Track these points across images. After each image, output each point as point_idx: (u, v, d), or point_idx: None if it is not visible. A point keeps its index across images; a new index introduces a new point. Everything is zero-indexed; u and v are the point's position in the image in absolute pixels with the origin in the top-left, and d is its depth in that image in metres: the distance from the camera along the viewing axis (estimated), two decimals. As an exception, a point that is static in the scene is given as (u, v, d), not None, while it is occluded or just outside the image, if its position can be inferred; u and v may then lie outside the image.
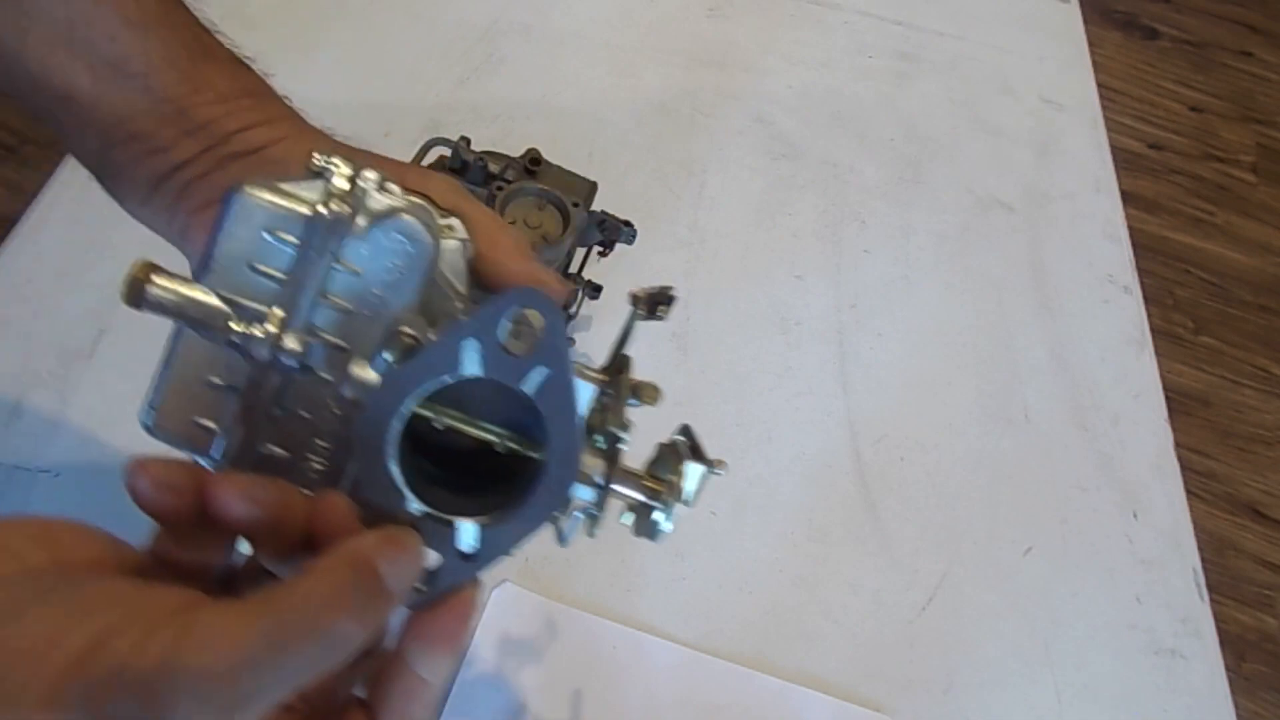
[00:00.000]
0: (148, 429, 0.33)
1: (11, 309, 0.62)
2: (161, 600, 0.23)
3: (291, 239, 0.31)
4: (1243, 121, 2.03)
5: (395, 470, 0.30)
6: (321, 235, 0.31)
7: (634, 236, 0.59)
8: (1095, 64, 0.90)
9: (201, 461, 0.33)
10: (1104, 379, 0.70)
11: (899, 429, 0.65)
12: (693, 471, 0.34)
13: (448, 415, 0.32)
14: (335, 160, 0.31)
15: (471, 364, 0.30)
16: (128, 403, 0.60)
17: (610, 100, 0.80)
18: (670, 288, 0.34)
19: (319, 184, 0.31)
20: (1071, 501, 0.64)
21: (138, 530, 0.55)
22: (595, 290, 0.62)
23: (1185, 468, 0.66)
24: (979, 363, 0.69)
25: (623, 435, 0.33)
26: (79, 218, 0.67)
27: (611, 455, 0.34)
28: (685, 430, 0.36)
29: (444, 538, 0.30)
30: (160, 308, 0.30)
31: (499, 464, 0.33)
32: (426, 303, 0.32)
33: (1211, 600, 0.61)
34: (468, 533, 0.30)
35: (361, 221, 0.31)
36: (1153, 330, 0.73)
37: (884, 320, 0.71)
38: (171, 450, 0.33)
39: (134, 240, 0.66)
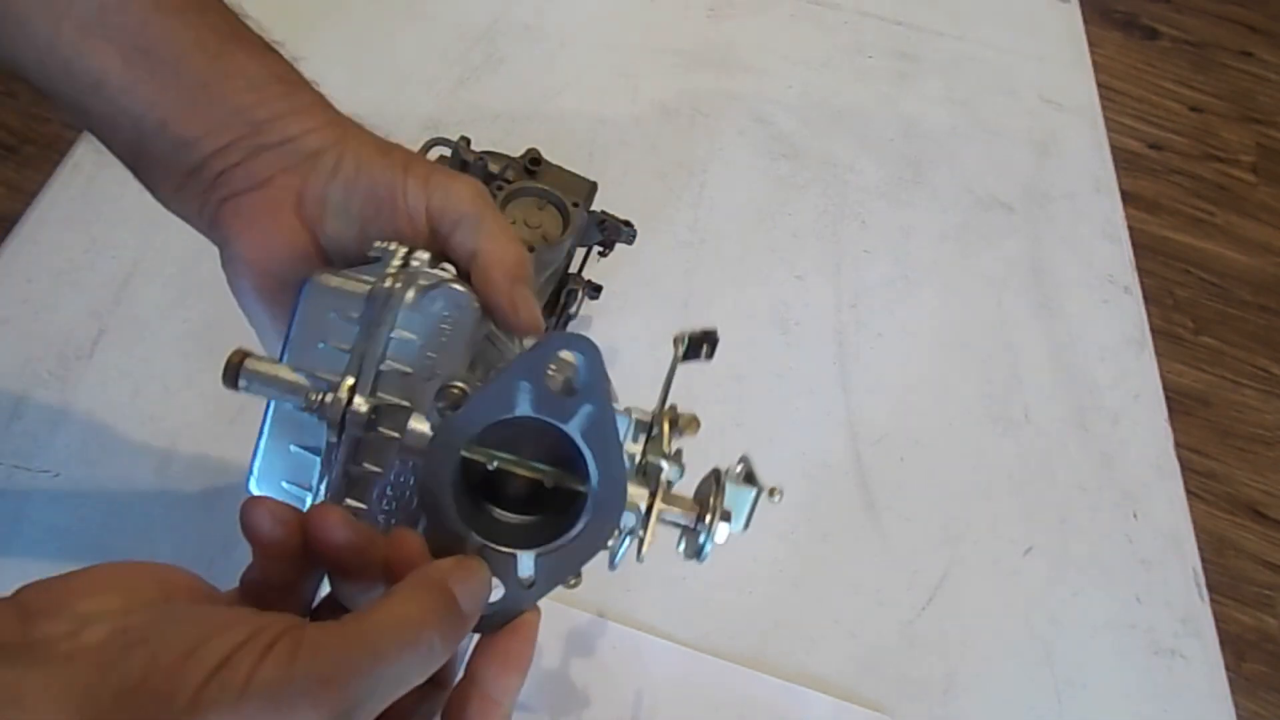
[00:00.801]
0: (255, 490, 0.37)
1: (11, 309, 0.62)
2: (273, 622, 0.26)
3: (355, 315, 0.36)
4: (1243, 121, 2.03)
5: (453, 509, 0.33)
6: (379, 310, 0.35)
7: (634, 236, 0.59)
8: (1095, 64, 0.90)
9: None
10: (1104, 379, 0.70)
11: (899, 429, 0.65)
12: (742, 496, 0.37)
13: (498, 457, 0.35)
14: (392, 245, 0.36)
15: (523, 405, 0.33)
16: (128, 403, 0.60)
17: (610, 100, 0.80)
18: (714, 330, 0.37)
19: (378, 267, 0.36)
20: (1071, 501, 0.64)
21: (138, 530, 0.56)
22: (595, 290, 0.62)
23: (1185, 468, 0.66)
24: (979, 363, 0.69)
25: (664, 465, 0.36)
26: (79, 218, 0.67)
27: (655, 483, 0.36)
28: (743, 459, 0.39)
29: (506, 568, 0.32)
30: (252, 386, 0.35)
31: (549, 498, 0.35)
32: (478, 356, 0.36)
33: (1211, 600, 0.61)
34: (526, 563, 0.33)
35: (411, 295, 0.35)
36: (1153, 330, 0.73)
37: (884, 320, 0.71)
38: None
39: (134, 241, 0.66)
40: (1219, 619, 0.60)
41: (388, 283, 0.35)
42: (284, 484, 0.36)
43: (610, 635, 0.54)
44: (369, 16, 0.82)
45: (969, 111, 0.85)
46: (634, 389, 0.65)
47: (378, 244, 0.36)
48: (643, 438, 0.37)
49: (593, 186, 0.60)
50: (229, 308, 0.64)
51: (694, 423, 0.38)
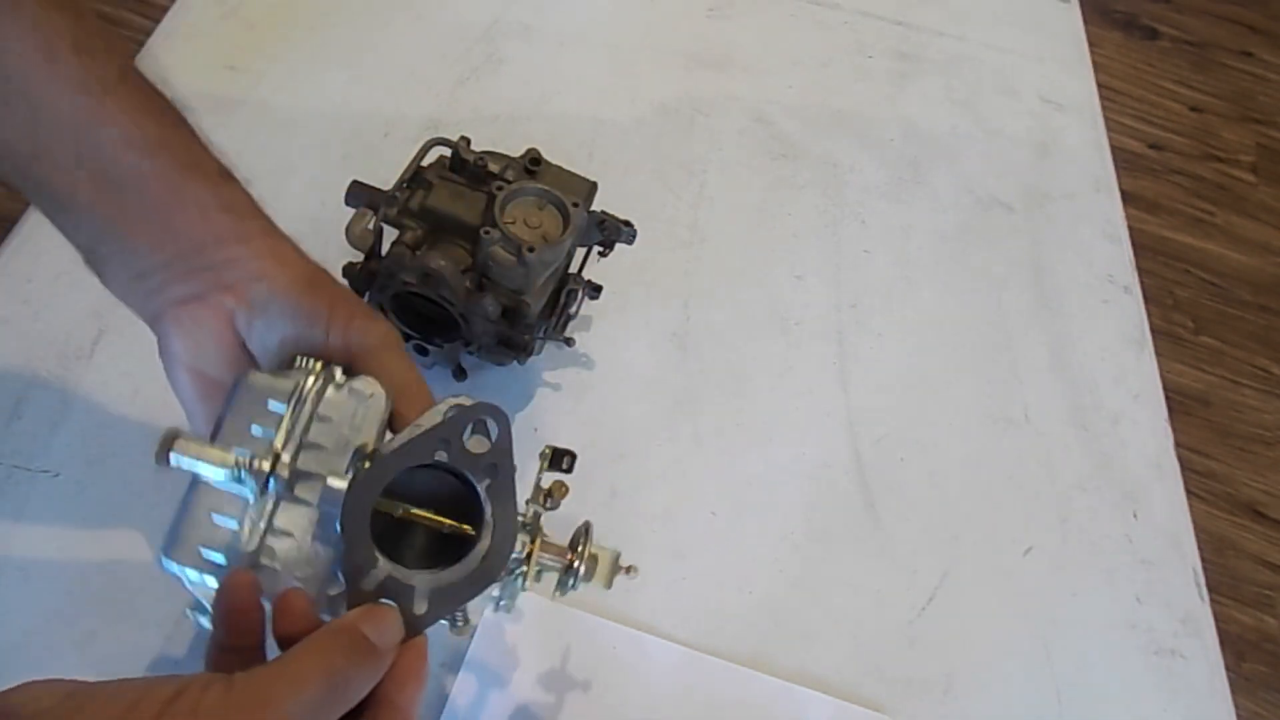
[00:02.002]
0: (163, 562, 0.41)
1: (11, 309, 0.62)
2: (199, 676, 0.32)
3: (281, 404, 0.41)
4: (1243, 121, 2.03)
5: (367, 544, 0.38)
6: (303, 398, 0.41)
7: (634, 236, 0.59)
8: (1095, 64, 0.90)
9: (209, 579, 0.40)
10: (1104, 379, 0.70)
11: (899, 429, 0.65)
12: (605, 555, 0.44)
13: (404, 506, 0.41)
14: (313, 361, 0.42)
15: (441, 455, 0.40)
16: (128, 403, 0.60)
17: (610, 100, 0.80)
18: (572, 450, 0.46)
19: (301, 372, 0.42)
20: (1071, 501, 0.64)
21: (138, 530, 0.56)
22: (595, 290, 0.62)
23: (1185, 468, 0.66)
24: (979, 363, 0.69)
25: (541, 522, 0.43)
26: (79, 218, 0.67)
27: (534, 534, 0.43)
28: (588, 528, 0.45)
29: (406, 600, 0.38)
30: (182, 461, 0.39)
31: (444, 544, 0.41)
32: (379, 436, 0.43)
33: (1211, 600, 0.61)
34: (420, 599, 0.38)
35: (331, 387, 0.42)
36: (1153, 330, 0.73)
37: (884, 320, 0.71)
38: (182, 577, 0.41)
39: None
40: (1219, 619, 0.60)
41: (310, 379, 0.42)
42: (201, 549, 0.40)
43: (610, 635, 0.54)
44: (369, 16, 0.82)
45: (969, 111, 0.85)
46: (634, 389, 0.65)
47: (300, 359, 0.42)
48: (532, 499, 0.44)
49: (593, 186, 0.60)
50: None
51: (564, 489, 0.45)
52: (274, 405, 0.41)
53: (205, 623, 0.44)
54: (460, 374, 0.61)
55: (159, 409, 0.59)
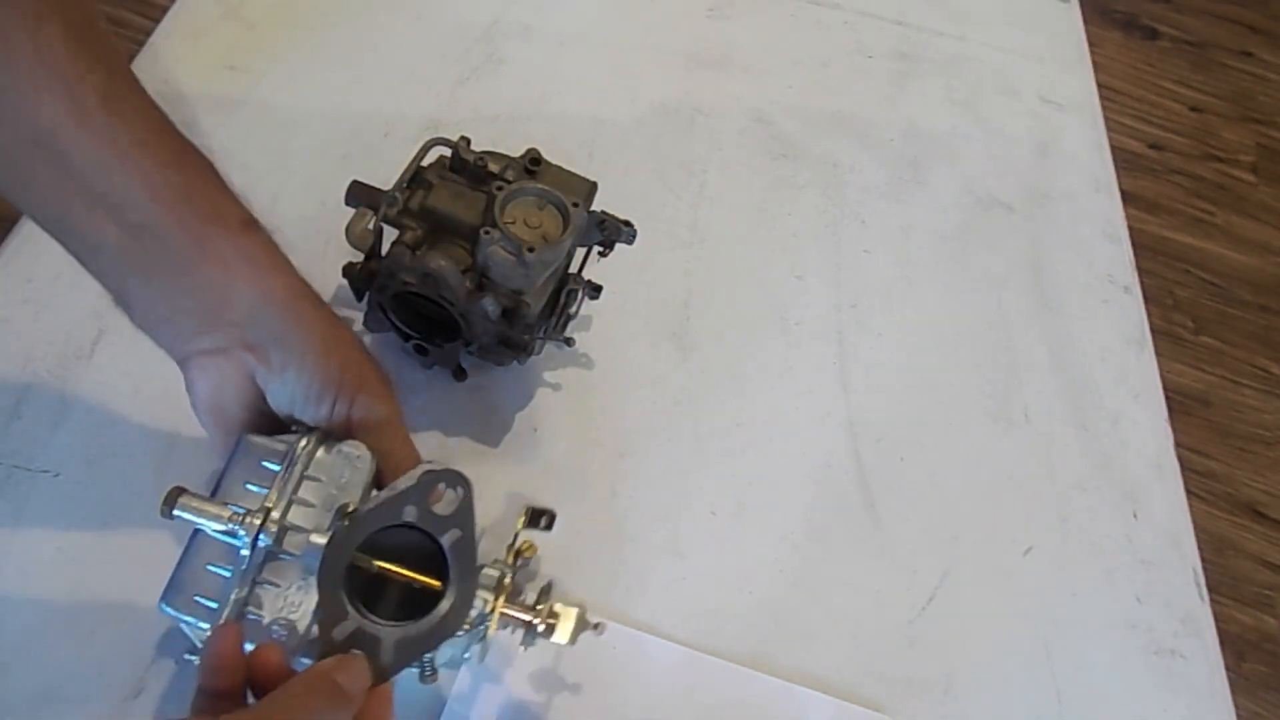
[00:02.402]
0: (162, 608, 0.44)
1: (11, 309, 0.62)
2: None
3: (276, 465, 0.46)
4: (1243, 121, 2.03)
5: (342, 595, 0.42)
6: (296, 459, 0.46)
7: (634, 236, 0.59)
8: (1095, 64, 0.90)
9: (203, 625, 0.44)
10: (1104, 379, 0.70)
11: (899, 429, 0.65)
12: (567, 612, 0.46)
13: (378, 563, 0.44)
14: (310, 429, 0.47)
15: (409, 515, 0.43)
16: (128, 402, 0.60)
17: (610, 100, 0.80)
18: (552, 510, 0.50)
19: (296, 435, 0.47)
20: (1071, 501, 0.64)
21: (138, 530, 0.56)
22: (595, 290, 0.62)
23: (1185, 468, 0.66)
24: (979, 363, 0.69)
25: (508, 574, 0.46)
26: (79, 218, 0.67)
27: (500, 592, 0.45)
28: (549, 587, 0.48)
29: (374, 650, 0.41)
30: (184, 514, 0.43)
31: (415, 598, 0.44)
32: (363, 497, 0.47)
33: (1211, 600, 0.61)
34: (387, 649, 0.41)
35: (323, 450, 0.47)
36: (1153, 330, 0.73)
37: (884, 320, 0.71)
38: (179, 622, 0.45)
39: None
40: (1219, 619, 0.60)
41: (302, 442, 0.46)
42: (196, 598, 0.44)
43: (610, 635, 0.54)
44: (369, 16, 0.82)
45: (969, 111, 0.85)
46: (634, 388, 0.65)
47: (295, 429, 0.47)
48: (501, 560, 0.47)
49: (593, 186, 0.60)
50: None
51: (533, 548, 0.50)
52: (269, 465, 0.46)
53: None
54: (460, 374, 0.61)
55: (159, 409, 0.60)
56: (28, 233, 0.66)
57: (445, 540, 0.44)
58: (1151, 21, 2.16)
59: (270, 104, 0.75)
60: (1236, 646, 1.41)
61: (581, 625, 0.46)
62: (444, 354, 0.60)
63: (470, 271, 0.54)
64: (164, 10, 0.80)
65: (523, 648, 0.47)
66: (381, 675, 0.41)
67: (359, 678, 0.39)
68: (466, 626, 0.44)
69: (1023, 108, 0.86)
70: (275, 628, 0.43)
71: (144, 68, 0.76)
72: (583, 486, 0.60)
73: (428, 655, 0.43)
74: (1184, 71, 2.09)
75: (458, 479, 0.44)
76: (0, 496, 0.55)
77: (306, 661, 0.44)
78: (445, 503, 0.44)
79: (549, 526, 0.50)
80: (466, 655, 0.47)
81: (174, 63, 0.76)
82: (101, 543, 0.54)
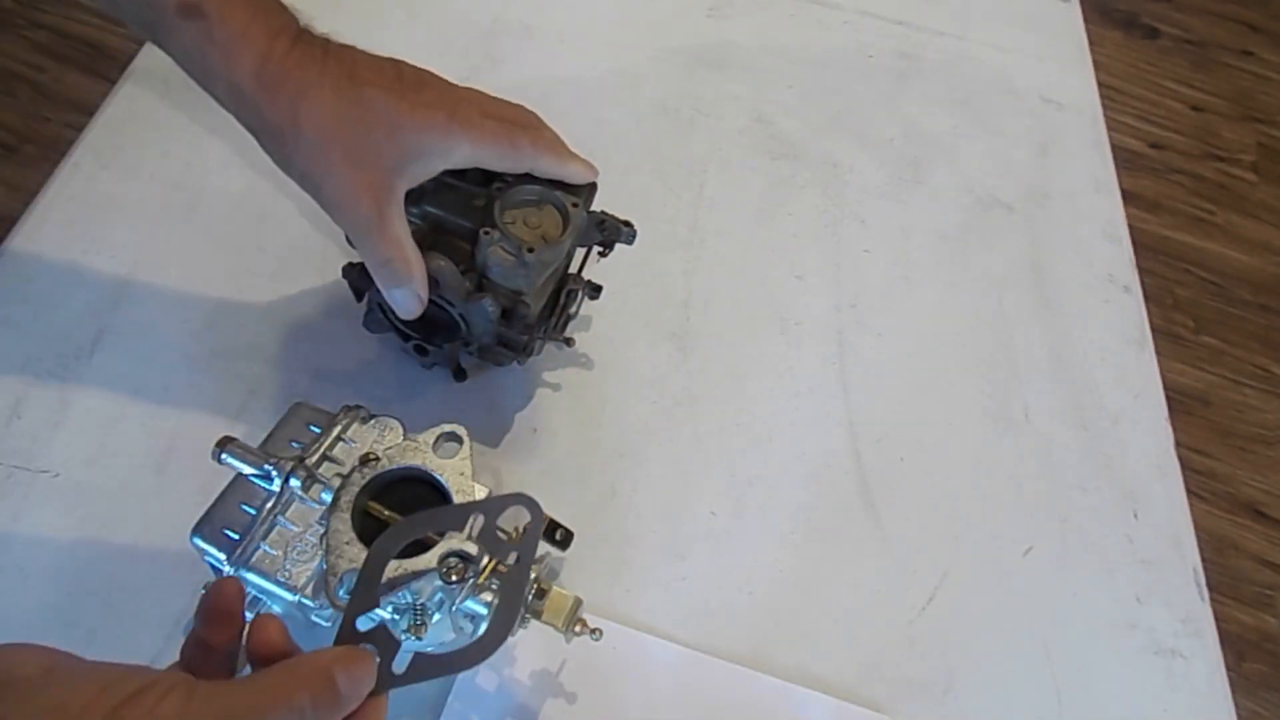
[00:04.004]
0: (192, 539, 0.47)
1: (11, 309, 0.62)
2: (167, 675, 0.33)
3: (318, 428, 0.51)
4: (1243, 121, 2.03)
5: (378, 585, 0.42)
6: (336, 425, 0.50)
7: (634, 236, 0.59)
8: (1096, 63, 0.90)
9: (225, 563, 0.47)
10: (1104, 379, 0.70)
11: (899, 429, 0.65)
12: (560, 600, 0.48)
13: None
14: (358, 406, 0.52)
15: (471, 530, 0.45)
16: (128, 402, 0.60)
17: (610, 100, 0.80)
18: (569, 532, 0.53)
19: (345, 407, 0.51)
20: (1071, 501, 0.64)
21: (138, 530, 0.56)
22: (595, 290, 0.62)
23: (1185, 467, 0.66)
24: (979, 363, 0.69)
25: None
26: (79, 218, 0.67)
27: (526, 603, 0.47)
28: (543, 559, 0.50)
29: (387, 654, 0.38)
30: (230, 459, 0.47)
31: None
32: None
33: (1211, 600, 0.61)
34: (404, 657, 0.39)
35: (357, 425, 0.51)
36: (1153, 330, 0.73)
37: (884, 320, 0.71)
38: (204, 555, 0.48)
39: (134, 241, 0.66)
40: (1219, 619, 0.60)
41: (344, 414, 0.51)
42: (224, 530, 0.47)
43: (610, 635, 0.54)
44: (369, 16, 0.82)
45: (969, 111, 0.85)
46: (634, 388, 0.65)
47: (346, 406, 0.52)
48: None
49: (592, 186, 0.60)
50: (229, 307, 0.64)
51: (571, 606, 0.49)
52: (313, 428, 0.51)
53: None
54: (460, 374, 0.61)
55: (159, 409, 0.60)
56: (28, 233, 0.66)
57: (493, 557, 0.45)
58: (1152, 20, 2.16)
59: (270, 104, 0.75)
60: (1236, 646, 1.41)
61: (576, 614, 0.47)
62: (444, 354, 0.60)
63: (470, 272, 0.54)
64: (164, 10, 0.80)
65: (517, 630, 0.46)
66: (386, 684, 0.38)
67: (361, 678, 0.36)
68: (455, 577, 0.44)
69: (1023, 108, 0.86)
70: (285, 573, 0.46)
71: (144, 67, 0.76)
72: (583, 486, 0.60)
73: (418, 603, 0.44)
74: (1185, 71, 2.09)
75: (528, 503, 0.45)
76: (0, 496, 0.55)
77: (324, 627, 0.47)
78: (514, 528, 0.47)
79: (564, 544, 0.52)
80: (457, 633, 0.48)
81: (174, 63, 0.76)
82: (101, 543, 0.54)
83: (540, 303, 0.57)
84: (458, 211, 0.55)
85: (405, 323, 0.58)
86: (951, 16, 0.91)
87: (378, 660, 0.37)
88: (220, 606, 0.37)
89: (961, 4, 0.93)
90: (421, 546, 0.44)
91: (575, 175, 0.55)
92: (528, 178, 0.57)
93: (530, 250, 0.53)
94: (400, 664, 0.38)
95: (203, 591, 0.46)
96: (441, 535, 0.44)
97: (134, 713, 0.30)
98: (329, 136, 0.47)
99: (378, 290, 0.56)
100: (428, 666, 0.39)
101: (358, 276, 0.57)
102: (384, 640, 0.39)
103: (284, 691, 0.33)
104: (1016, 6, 0.94)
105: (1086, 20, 0.94)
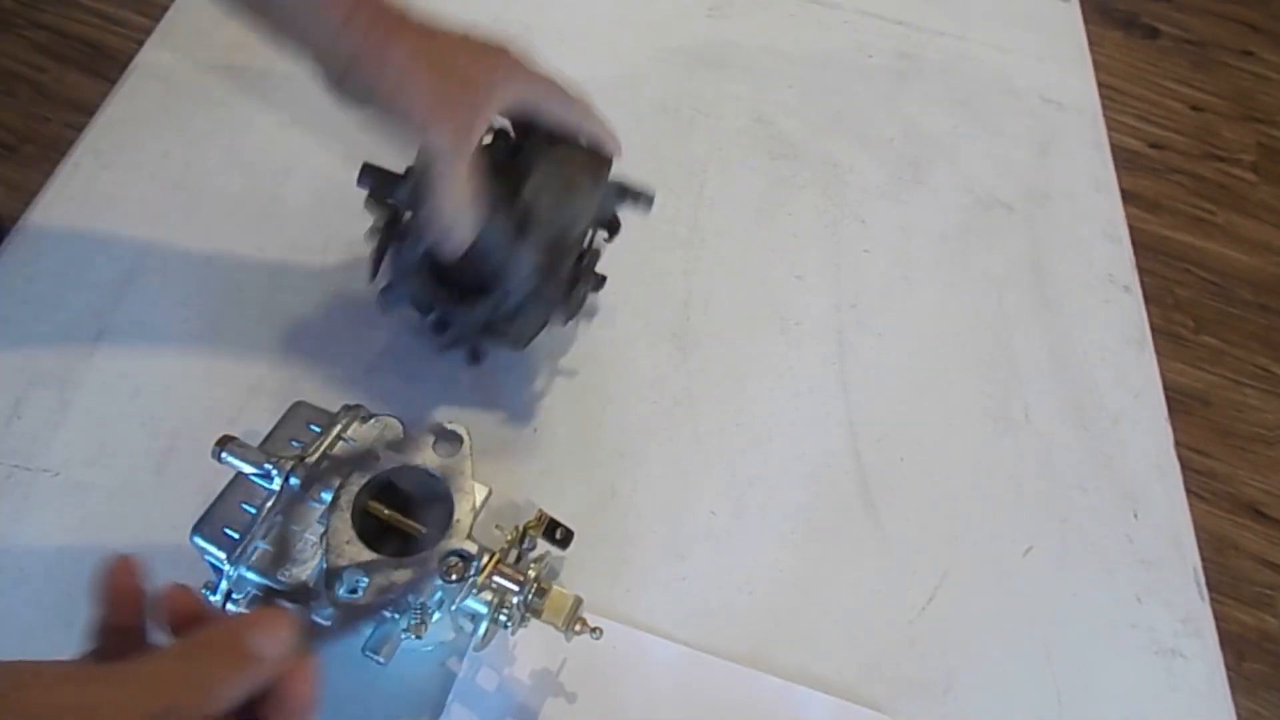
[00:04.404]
0: (194, 538, 0.48)
1: (11, 309, 0.62)
2: (62, 667, 0.32)
3: (318, 427, 0.52)
4: (1243, 121, 2.03)
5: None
6: (333, 424, 0.51)
7: (651, 202, 0.60)
8: (1096, 63, 0.90)
9: (225, 562, 0.47)
10: (1104, 379, 0.70)
11: (899, 429, 0.65)
12: (560, 598, 0.49)
13: (386, 510, 0.49)
14: (356, 406, 0.53)
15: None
16: (128, 402, 0.60)
17: (610, 100, 0.80)
18: (569, 530, 0.53)
19: (345, 407, 0.53)
20: (1071, 501, 0.64)
21: (138, 530, 0.56)
22: (600, 281, 0.63)
23: (1185, 467, 0.66)
24: (979, 363, 0.69)
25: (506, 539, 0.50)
26: (79, 218, 0.67)
27: (496, 555, 0.48)
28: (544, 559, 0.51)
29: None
30: (230, 458, 0.48)
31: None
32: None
33: (1211, 600, 0.61)
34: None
35: (357, 425, 0.51)
36: (1153, 330, 0.73)
37: (884, 320, 0.71)
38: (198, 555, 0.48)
39: (134, 241, 0.66)
40: (1219, 619, 0.60)
41: (343, 414, 0.52)
42: (224, 529, 0.48)
43: (610, 635, 0.54)
44: (369, 16, 0.81)
45: (969, 111, 0.85)
46: (634, 388, 0.65)
47: (346, 404, 0.53)
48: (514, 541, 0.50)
49: (609, 159, 0.59)
50: (229, 307, 0.64)
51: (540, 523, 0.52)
52: (314, 428, 0.51)
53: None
54: (475, 358, 0.61)
55: (159, 409, 0.60)
56: (28, 233, 0.66)
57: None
58: (1152, 20, 2.17)
59: (270, 104, 0.75)
60: (1236, 646, 1.41)
61: (576, 613, 0.47)
62: (464, 330, 0.59)
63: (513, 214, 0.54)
64: (164, 10, 0.80)
65: (514, 630, 0.47)
66: (314, 635, 0.37)
67: (277, 639, 0.33)
68: (455, 576, 0.44)
69: (1023, 107, 0.86)
70: (293, 560, 0.47)
71: (144, 67, 0.76)
72: (583, 486, 0.60)
73: (418, 602, 0.45)
74: (1185, 71, 2.09)
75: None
76: (0, 496, 0.55)
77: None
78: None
79: (564, 543, 0.52)
80: (476, 633, 0.48)
81: (174, 62, 0.76)
82: (101, 543, 0.54)
83: (569, 261, 0.57)
84: (489, 180, 0.54)
85: (432, 284, 0.57)
86: (951, 16, 0.91)
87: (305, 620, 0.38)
88: (117, 586, 0.37)
89: (961, 4, 0.93)
90: (410, 547, 0.45)
91: (610, 141, 0.59)
92: (554, 140, 0.57)
93: (574, 183, 0.54)
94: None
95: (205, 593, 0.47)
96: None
97: (20, 698, 0.29)
98: (417, 61, 0.50)
99: (410, 245, 0.55)
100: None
101: (386, 234, 0.57)
102: (303, 594, 0.41)
103: (193, 661, 0.32)
104: (1016, 6, 0.94)
105: (1086, 20, 0.94)
